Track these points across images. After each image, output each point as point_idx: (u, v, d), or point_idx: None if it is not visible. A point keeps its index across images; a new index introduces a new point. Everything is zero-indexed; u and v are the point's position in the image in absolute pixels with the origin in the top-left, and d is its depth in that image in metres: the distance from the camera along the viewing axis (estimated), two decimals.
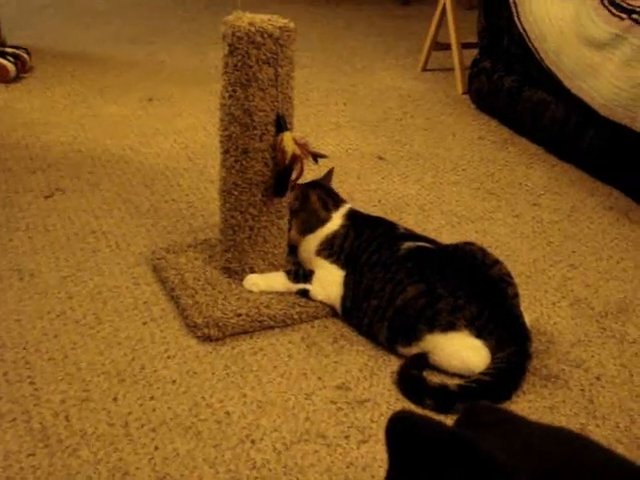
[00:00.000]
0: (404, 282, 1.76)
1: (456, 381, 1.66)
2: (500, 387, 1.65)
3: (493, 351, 1.67)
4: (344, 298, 1.85)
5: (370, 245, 1.87)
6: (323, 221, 1.97)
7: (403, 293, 1.74)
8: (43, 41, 4.04)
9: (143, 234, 2.24)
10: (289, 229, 2.01)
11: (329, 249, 1.92)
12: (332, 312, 1.90)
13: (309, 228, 1.98)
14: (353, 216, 1.99)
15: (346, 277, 1.87)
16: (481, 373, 1.65)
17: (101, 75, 3.59)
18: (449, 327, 1.69)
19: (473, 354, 1.68)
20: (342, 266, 1.89)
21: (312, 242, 1.96)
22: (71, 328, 1.83)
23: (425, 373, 1.70)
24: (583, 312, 1.96)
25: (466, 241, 1.91)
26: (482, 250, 1.83)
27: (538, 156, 2.88)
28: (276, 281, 1.93)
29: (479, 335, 1.68)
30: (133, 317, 1.88)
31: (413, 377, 1.68)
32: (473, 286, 1.74)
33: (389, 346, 1.77)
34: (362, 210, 2.08)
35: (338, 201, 2.02)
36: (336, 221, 1.96)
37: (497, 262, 1.81)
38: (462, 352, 1.69)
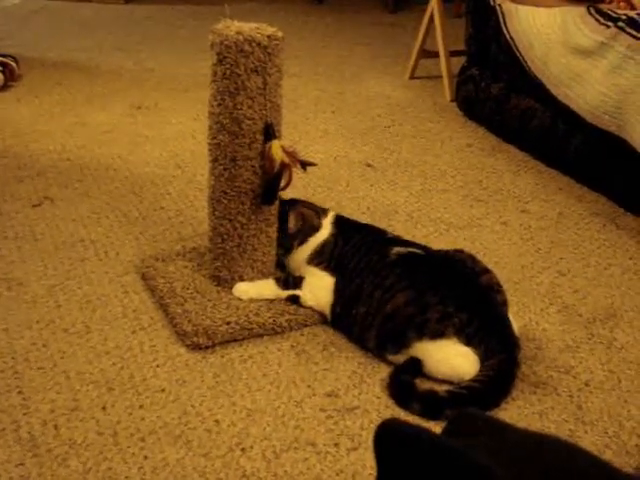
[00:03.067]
0: (394, 288, 1.76)
1: (445, 388, 1.67)
2: (489, 394, 1.65)
3: (482, 358, 1.68)
4: (334, 304, 1.86)
5: (359, 250, 1.88)
6: (316, 228, 1.97)
7: (392, 300, 1.75)
8: (31, 50, 4.04)
9: (132, 242, 2.24)
10: (285, 250, 2.00)
11: (320, 257, 1.93)
12: (321, 320, 1.90)
13: (303, 239, 1.98)
14: (341, 223, 1.99)
15: (336, 283, 1.87)
16: (470, 380, 1.66)
17: (89, 83, 3.59)
18: (438, 335, 1.69)
19: (462, 361, 1.69)
20: (332, 272, 1.89)
21: (304, 251, 1.96)
22: (60, 337, 1.83)
23: (416, 380, 1.70)
24: (571, 318, 1.97)
25: (456, 248, 1.92)
26: (472, 258, 1.84)
27: (525, 163, 2.90)
28: (265, 288, 1.93)
29: (468, 343, 1.68)
30: (122, 326, 1.88)
31: (403, 381, 1.68)
32: (463, 294, 1.74)
33: (378, 353, 1.77)
34: (351, 217, 2.08)
35: (323, 209, 2.03)
36: (326, 230, 1.96)
37: (487, 270, 1.82)
38: (451, 359, 1.69)
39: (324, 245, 1.94)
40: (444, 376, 1.70)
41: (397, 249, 1.85)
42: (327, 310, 1.88)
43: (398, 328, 1.73)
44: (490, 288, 1.80)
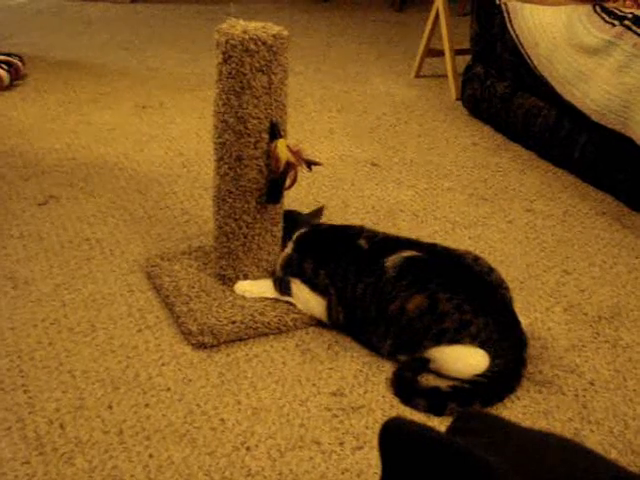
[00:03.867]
0: (404, 297, 1.74)
1: (449, 383, 1.67)
2: (493, 389, 1.65)
3: (493, 357, 1.68)
4: (334, 325, 1.86)
5: (347, 271, 1.83)
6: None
7: (406, 312, 1.72)
8: (36, 49, 4.04)
9: (137, 241, 2.24)
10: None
11: (290, 270, 1.93)
12: None
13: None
14: (303, 239, 1.97)
15: (329, 305, 1.85)
16: (476, 375, 1.66)
17: (94, 82, 3.59)
18: (454, 341, 1.69)
19: (475, 361, 1.68)
20: (312, 287, 1.87)
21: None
22: (65, 336, 1.83)
23: (421, 377, 1.70)
24: (577, 317, 1.97)
25: (457, 248, 1.91)
26: (476, 257, 1.84)
27: (531, 162, 2.89)
28: (266, 289, 1.93)
29: (482, 345, 1.68)
30: (127, 324, 1.88)
31: (405, 377, 1.68)
32: (477, 295, 1.73)
33: (390, 356, 1.77)
34: (348, 217, 2.08)
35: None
36: (289, 247, 1.97)
37: (492, 269, 1.81)
38: (464, 359, 1.69)
39: (289, 259, 1.94)
40: (456, 375, 1.69)
41: (391, 259, 1.79)
42: (323, 318, 1.87)
43: (415, 337, 1.71)
44: (500, 286, 1.79)
